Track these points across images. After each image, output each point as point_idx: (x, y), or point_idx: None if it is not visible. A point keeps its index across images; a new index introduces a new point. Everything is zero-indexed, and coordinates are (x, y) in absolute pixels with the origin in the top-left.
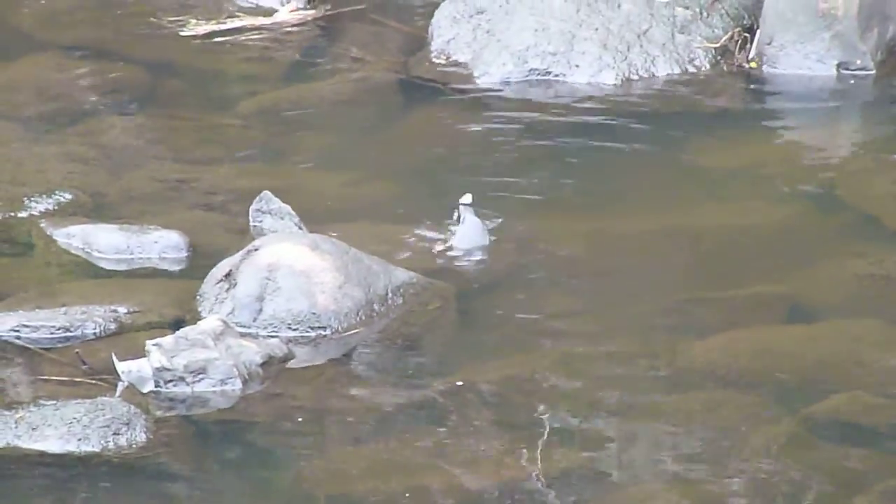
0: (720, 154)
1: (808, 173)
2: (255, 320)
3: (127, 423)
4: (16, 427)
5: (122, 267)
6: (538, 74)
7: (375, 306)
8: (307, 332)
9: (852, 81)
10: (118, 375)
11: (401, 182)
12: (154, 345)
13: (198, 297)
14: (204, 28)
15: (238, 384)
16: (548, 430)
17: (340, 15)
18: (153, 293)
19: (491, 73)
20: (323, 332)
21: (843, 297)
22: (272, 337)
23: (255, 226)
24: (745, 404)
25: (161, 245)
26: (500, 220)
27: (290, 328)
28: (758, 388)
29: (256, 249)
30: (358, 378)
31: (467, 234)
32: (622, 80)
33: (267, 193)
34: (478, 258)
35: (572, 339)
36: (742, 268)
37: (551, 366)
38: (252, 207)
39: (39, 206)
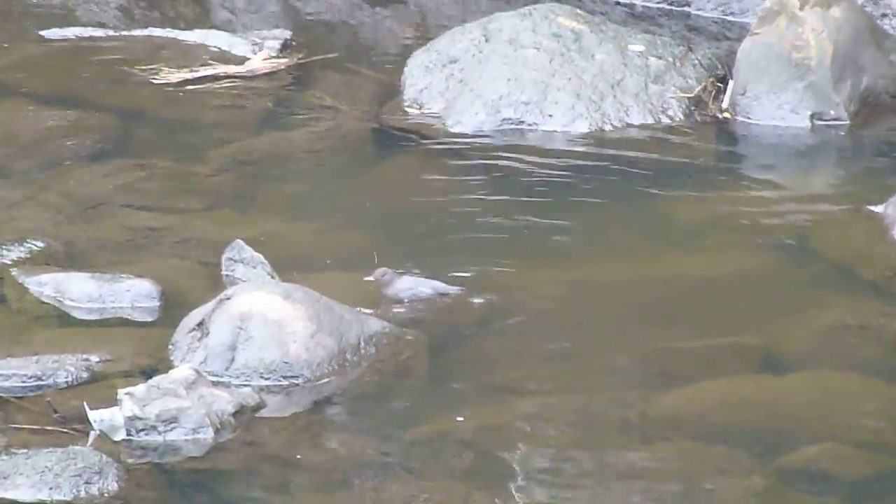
0: (694, 204)
1: (782, 223)
2: (227, 369)
3: (99, 472)
4: None
5: (95, 315)
6: (511, 124)
7: (348, 355)
8: (279, 381)
9: (826, 132)
10: (90, 424)
11: (373, 231)
12: (126, 394)
13: (170, 346)
14: (176, 76)
15: (210, 433)
16: (519, 480)
17: (313, 63)
18: (125, 342)
19: (464, 122)
20: (295, 381)
21: (817, 348)
22: (244, 386)
23: (227, 275)
24: (718, 455)
25: (133, 294)
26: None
27: (262, 377)
28: (730, 439)
29: (229, 298)
30: (330, 427)
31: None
32: (596, 130)
33: (239, 242)
34: (449, 307)
35: (544, 389)
36: (715, 318)
37: (523, 416)
38: (224, 256)
39: (11, 254)
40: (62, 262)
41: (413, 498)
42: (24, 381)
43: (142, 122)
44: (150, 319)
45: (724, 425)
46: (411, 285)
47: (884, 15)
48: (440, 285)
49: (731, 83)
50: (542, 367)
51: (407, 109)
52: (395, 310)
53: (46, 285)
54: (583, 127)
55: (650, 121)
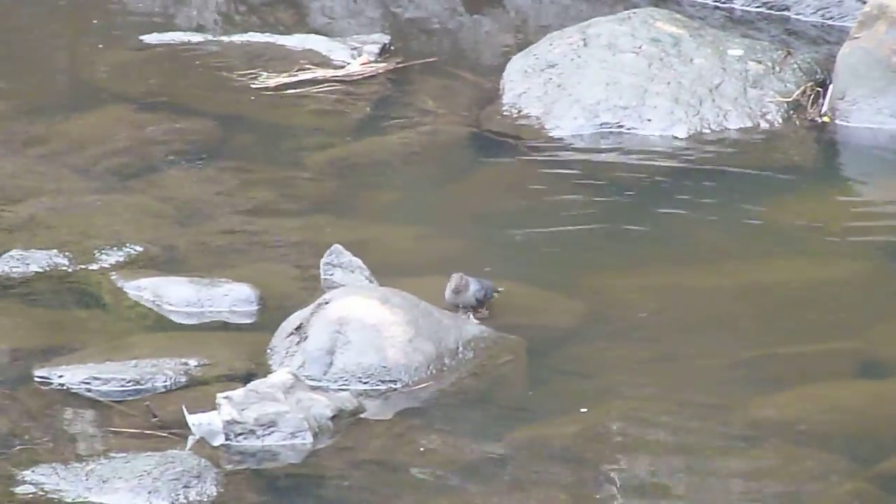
0: (792, 208)
1: (881, 227)
2: (325, 374)
3: (197, 476)
4: (86, 479)
5: (193, 320)
6: (609, 128)
7: (446, 360)
8: (377, 385)
9: None
10: (189, 428)
11: (471, 236)
12: (224, 398)
13: (268, 351)
14: (275, 81)
15: (308, 437)
16: (619, 484)
17: (412, 68)
18: (223, 346)
19: (562, 126)
20: (393, 386)
21: None
22: (342, 390)
23: (325, 279)
24: (817, 460)
25: (231, 298)
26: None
27: (360, 382)
28: (829, 444)
29: (327, 303)
30: (428, 432)
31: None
32: (694, 134)
33: (337, 247)
34: (548, 311)
35: (643, 394)
36: (813, 323)
37: (622, 420)
38: (323, 261)
39: (110, 258)
40: (161, 267)
41: (512, 503)
42: (123, 385)
43: (241, 127)
44: (248, 323)
45: (823, 430)
46: (478, 287)
47: None
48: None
49: (830, 87)
50: (640, 371)
51: (505, 114)
52: (494, 313)
53: (145, 290)
54: (681, 131)
55: (749, 125)
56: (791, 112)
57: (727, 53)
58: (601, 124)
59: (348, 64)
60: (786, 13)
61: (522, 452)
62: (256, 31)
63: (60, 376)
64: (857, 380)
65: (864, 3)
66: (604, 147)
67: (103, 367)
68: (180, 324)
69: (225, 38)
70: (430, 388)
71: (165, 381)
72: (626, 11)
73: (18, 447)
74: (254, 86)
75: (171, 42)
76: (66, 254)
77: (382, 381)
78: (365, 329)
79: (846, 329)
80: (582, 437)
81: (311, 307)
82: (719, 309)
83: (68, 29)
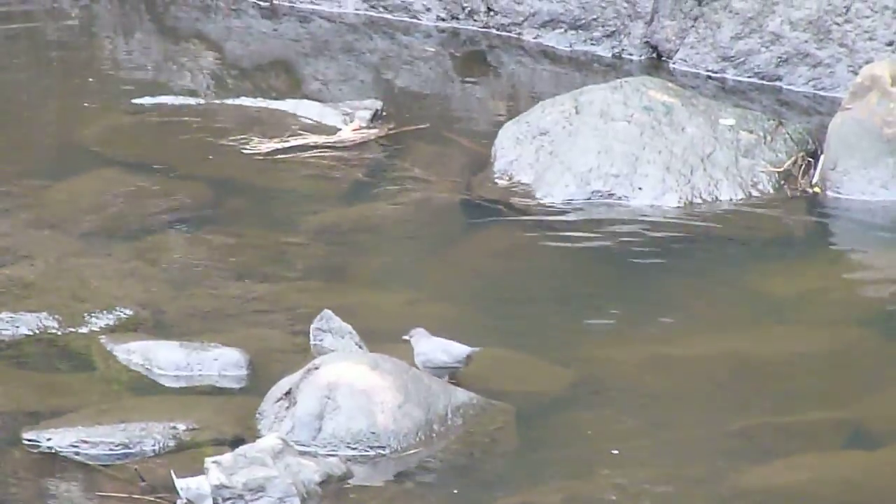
0: (783, 279)
1: (872, 299)
2: (314, 439)
3: None
4: None
5: (182, 384)
6: (601, 196)
7: (435, 426)
8: (366, 451)
9: None
10: (177, 492)
11: (461, 303)
12: (213, 462)
13: (257, 415)
14: (267, 146)
15: (297, 502)
16: None
17: (404, 134)
18: (213, 410)
19: (553, 194)
20: (382, 452)
21: None
22: (331, 456)
23: (315, 344)
24: None
25: (221, 362)
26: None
27: (349, 447)
28: None
29: (317, 368)
30: (417, 499)
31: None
32: (685, 204)
33: (327, 312)
34: (537, 378)
35: (632, 463)
36: (805, 392)
37: (612, 488)
38: (313, 326)
39: (100, 322)
40: (150, 330)
41: None
42: (111, 449)
43: (232, 192)
44: (237, 388)
45: (815, 500)
46: (427, 350)
47: None
48: (458, 351)
49: (821, 158)
50: (631, 440)
51: (497, 180)
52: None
53: (135, 353)
54: (672, 200)
55: (740, 195)
56: (782, 182)
57: (719, 123)
58: (592, 192)
59: (340, 130)
60: (777, 83)
61: None
62: (248, 96)
63: (49, 439)
64: (848, 450)
65: (856, 73)
66: (595, 215)
67: (92, 431)
68: (170, 388)
69: (217, 102)
70: (418, 455)
71: (154, 446)
72: (619, 80)
73: None
74: (246, 150)
75: (164, 105)
76: (56, 317)
77: (371, 447)
78: (354, 395)
79: (837, 399)
80: None
81: (300, 372)
82: (709, 378)
83: (60, 89)
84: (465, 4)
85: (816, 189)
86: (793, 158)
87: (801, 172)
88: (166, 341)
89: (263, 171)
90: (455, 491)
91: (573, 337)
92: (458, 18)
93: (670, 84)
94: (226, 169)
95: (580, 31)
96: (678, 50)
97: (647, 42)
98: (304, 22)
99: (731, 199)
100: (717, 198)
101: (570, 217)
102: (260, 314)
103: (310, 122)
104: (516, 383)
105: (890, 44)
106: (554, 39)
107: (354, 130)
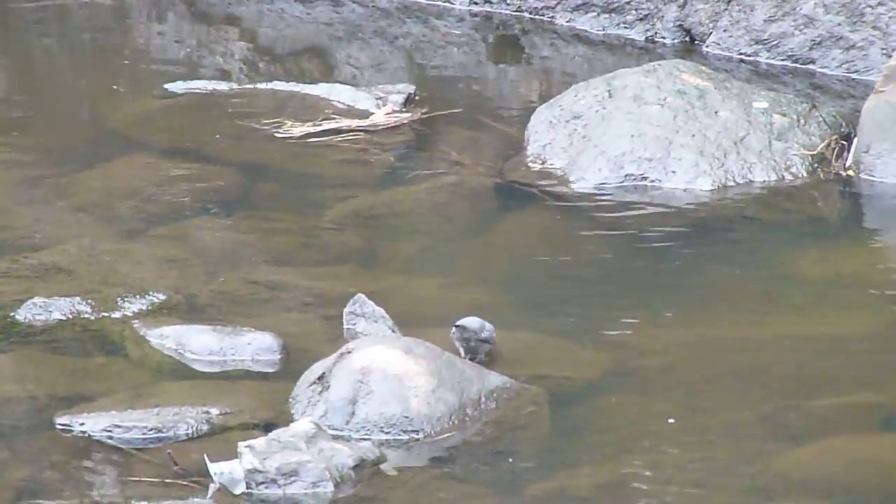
0: (817, 262)
1: None
2: (347, 423)
3: None
4: None
5: (215, 368)
6: (634, 180)
7: (468, 411)
8: (400, 435)
9: None
10: (210, 477)
11: (495, 287)
12: (246, 447)
13: (290, 400)
14: (299, 130)
15: (330, 487)
16: None
17: (436, 118)
18: (246, 395)
19: (586, 178)
20: (416, 436)
21: None
22: (364, 440)
23: (348, 329)
24: None
25: (254, 347)
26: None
27: (382, 432)
28: (852, 499)
29: (350, 352)
30: (450, 483)
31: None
32: (718, 187)
33: (361, 296)
34: (571, 363)
35: (665, 446)
36: (837, 376)
37: (644, 473)
38: (346, 310)
39: (133, 306)
40: (184, 315)
41: None
42: (144, 434)
43: (265, 176)
44: (270, 372)
45: (846, 484)
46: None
47: None
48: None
49: (854, 141)
50: (663, 423)
51: (530, 165)
52: (516, 364)
53: (168, 338)
54: (706, 184)
55: (773, 178)
56: (815, 165)
57: (752, 106)
58: (626, 176)
59: (373, 114)
60: (811, 67)
61: (544, 503)
62: (281, 80)
63: (82, 424)
64: (882, 433)
65: (889, 56)
66: (628, 199)
67: (125, 416)
68: (203, 372)
69: (250, 87)
70: (452, 439)
71: (187, 430)
72: (652, 63)
73: (40, 496)
74: (278, 135)
75: (196, 90)
76: (89, 301)
77: (405, 432)
78: (388, 379)
79: (871, 382)
80: (602, 489)
81: (333, 357)
82: (743, 361)
83: (92, 74)
84: None
85: (850, 172)
86: (826, 142)
87: (834, 156)
88: (199, 326)
89: (296, 155)
90: (488, 475)
91: (607, 322)
92: (490, 2)
93: (703, 68)
94: (258, 153)
95: (613, 15)
96: (711, 33)
97: (680, 25)
98: (336, 6)
99: (764, 182)
100: (750, 181)
101: (604, 201)
102: (293, 299)
103: (343, 106)
104: (550, 368)
105: None
106: (587, 23)
107: (387, 114)
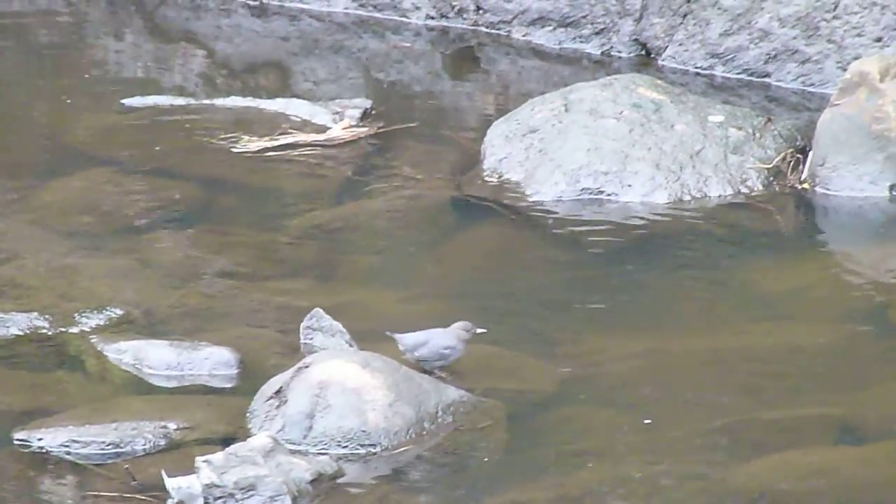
0: (772, 275)
1: (860, 295)
2: (305, 437)
3: None
4: None
5: (173, 383)
6: (590, 194)
7: (426, 424)
8: (357, 449)
9: None
10: (168, 492)
11: (451, 301)
12: (204, 461)
13: (248, 414)
14: (256, 144)
15: (288, 501)
16: None
17: (393, 132)
18: (203, 410)
19: (543, 192)
20: (373, 450)
21: None
22: (322, 454)
23: (305, 343)
24: None
25: (211, 361)
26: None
27: (340, 446)
28: None
29: (307, 367)
30: (408, 496)
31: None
32: (675, 200)
33: (318, 311)
34: (528, 375)
35: (623, 459)
36: (795, 388)
37: (602, 486)
38: (303, 325)
39: (91, 321)
40: (141, 330)
41: None
42: (102, 449)
43: (222, 191)
44: (228, 387)
45: (804, 496)
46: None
47: None
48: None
49: (810, 154)
50: (621, 436)
51: (487, 179)
52: (473, 378)
53: (126, 353)
54: (662, 197)
55: (729, 191)
56: (771, 179)
57: (708, 120)
58: (582, 189)
59: (330, 128)
60: (766, 80)
61: None
62: (238, 95)
63: (40, 439)
64: (839, 445)
65: (845, 70)
66: (585, 212)
67: (83, 431)
68: (160, 387)
69: (207, 102)
70: (409, 453)
71: (145, 445)
72: (608, 77)
73: None
74: (235, 150)
75: (153, 105)
76: (47, 316)
77: (362, 445)
78: (345, 393)
79: (827, 394)
80: (560, 502)
81: (291, 371)
82: (699, 374)
83: (50, 89)
84: (454, 3)
85: (805, 185)
86: (782, 155)
87: (790, 169)
88: (157, 340)
89: (253, 170)
90: (445, 489)
91: (563, 334)
92: (447, 17)
93: (659, 81)
94: (216, 168)
95: (569, 29)
96: (667, 47)
97: (636, 39)
98: (293, 21)
99: (720, 196)
100: (706, 195)
101: (560, 214)
102: (250, 313)
103: (299, 120)
104: (506, 381)
105: (878, 40)
106: (543, 37)
107: (344, 129)
